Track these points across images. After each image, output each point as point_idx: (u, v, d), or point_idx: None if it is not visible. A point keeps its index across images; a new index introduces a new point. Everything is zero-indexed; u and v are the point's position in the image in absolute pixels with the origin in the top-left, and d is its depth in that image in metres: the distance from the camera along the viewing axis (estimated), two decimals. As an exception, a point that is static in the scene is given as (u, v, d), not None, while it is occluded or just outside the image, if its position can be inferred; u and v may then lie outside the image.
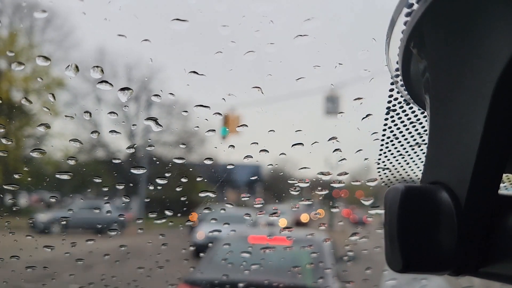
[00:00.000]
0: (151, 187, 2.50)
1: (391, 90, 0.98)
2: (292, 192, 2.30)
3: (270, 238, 3.93)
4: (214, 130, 2.39)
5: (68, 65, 1.73)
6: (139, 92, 25.52)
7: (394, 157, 1.20)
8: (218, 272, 4.03)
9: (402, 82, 0.83)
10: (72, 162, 2.27)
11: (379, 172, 1.30)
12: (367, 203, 2.21)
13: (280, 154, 2.43)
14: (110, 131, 2.28)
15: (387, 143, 1.16)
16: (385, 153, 1.20)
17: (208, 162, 2.49)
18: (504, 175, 0.80)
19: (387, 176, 1.30)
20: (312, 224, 14.99)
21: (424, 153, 1.11)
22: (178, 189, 2.79)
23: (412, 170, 1.23)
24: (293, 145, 2.12)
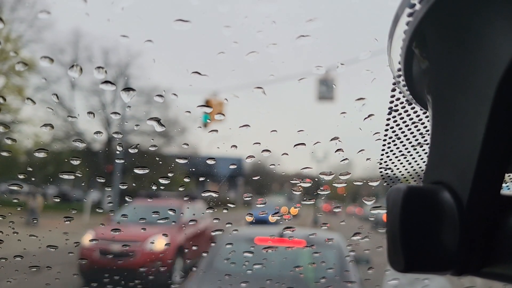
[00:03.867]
0: (154, 187, 2.50)
1: (393, 90, 0.98)
2: (294, 192, 2.30)
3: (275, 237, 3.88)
4: (217, 130, 2.39)
5: (73, 65, 1.73)
6: (116, 78, 24.99)
7: (396, 157, 1.20)
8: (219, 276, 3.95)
9: (404, 82, 0.83)
10: (76, 162, 2.28)
11: (381, 172, 1.31)
12: (369, 203, 2.21)
13: (283, 154, 2.43)
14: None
15: (389, 143, 1.16)
16: (387, 153, 1.21)
17: (211, 162, 2.50)
18: (506, 175, 0.80)
19: (389, 176, 1.31)
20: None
21: (426, 153, 1.11)
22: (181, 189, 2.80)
23: (414, 170, 1.23)
24: (295, 145, 2.12)
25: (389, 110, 1.05)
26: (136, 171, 2.25)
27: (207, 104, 9.29)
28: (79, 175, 2.34)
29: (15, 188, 2.37)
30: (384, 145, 1.18)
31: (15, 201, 3.52)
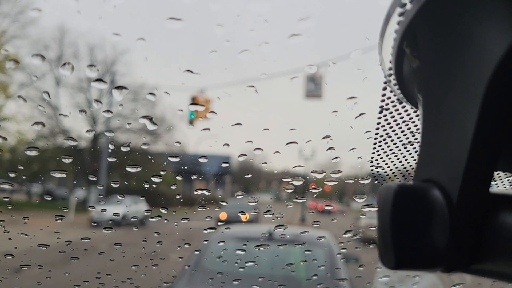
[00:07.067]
0: (146, 185, 2.50)
1: (384, 89, 0.99)
2: (286, 190, 2.31)
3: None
4: (209, 129, 2.39)
5: (65, 63, 1.72)
6: (102, 75, 24.67)
7: (387, 155, 1.21)
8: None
9: (395, 81, 0.84)
10: (68, 161, 2.26)
11: (372, 170, 1.32)
12: (360, 201, 2.22)
13: (275, 152, 2.44)
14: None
15: (380, 141, 1.17)
16: (378, 151, 1.21)
17: (203, 160, 2.49)
18: (495, 173, 0.81)
19: (380, 174, 1.32)
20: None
21: (416, 151, 1.12)
22: (173, 187, 2.80)
23: (405, 168, 1.24)
24: (287, 144, 2.12)
25: (380, 108, 1.06)
26: (128, 169, 2.24)
27: (194, 101, 9.15)
28: (67, 173, 2.32)
29: (6, 187, 2.35)
30: (375, 143, 1.19)
31: (5, 199, 3.49)
